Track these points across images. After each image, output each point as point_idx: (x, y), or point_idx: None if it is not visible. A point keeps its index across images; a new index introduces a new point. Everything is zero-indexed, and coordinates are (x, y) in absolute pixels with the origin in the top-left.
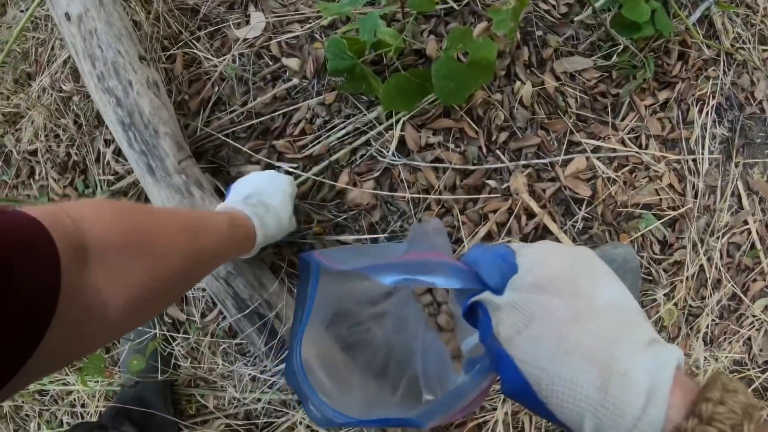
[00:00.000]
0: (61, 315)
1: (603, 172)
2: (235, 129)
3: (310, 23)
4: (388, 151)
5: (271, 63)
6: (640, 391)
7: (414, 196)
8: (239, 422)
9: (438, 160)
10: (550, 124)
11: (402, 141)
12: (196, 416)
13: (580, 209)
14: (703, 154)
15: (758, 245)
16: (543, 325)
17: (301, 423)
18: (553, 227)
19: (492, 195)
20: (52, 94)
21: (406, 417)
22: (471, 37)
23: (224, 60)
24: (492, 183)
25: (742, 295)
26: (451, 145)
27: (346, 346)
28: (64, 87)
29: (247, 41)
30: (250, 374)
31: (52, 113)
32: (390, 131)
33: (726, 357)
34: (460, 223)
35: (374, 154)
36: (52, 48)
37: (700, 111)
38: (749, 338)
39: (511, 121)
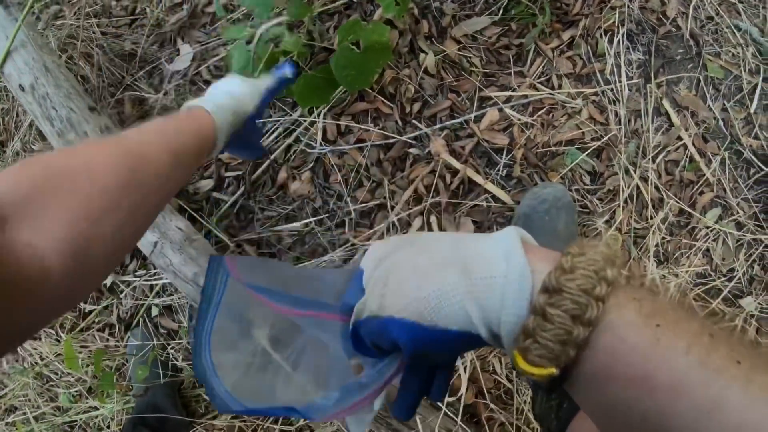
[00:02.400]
0: None
1: (518, 119)
2: None
3: (232, 44)
4: (316, 143)
5: (204, 87)
6: (497, 258)
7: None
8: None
9: (360, 140)
10: (458, 86)
11: (326, 131)
12: (207, 414)
13: (501, 158)
14: (620, 81)
15: (697, 157)
16: (396, 273)
17: None
18: (478, 179)
19: (415, 162)
20: (24, 156)
21: (293, 406)
22: (360, 26)
23: (164, 94)
24: (414, 151)
25: (689, 210)
26: (370, 125)
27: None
28: (34, 147)
29: (180, 72)
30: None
31: None
32: (315, 125)
33: (686, 272)
34: (389, 193)
35: (304, 147)
36: (17, 114)
37: (611, 41)
38: (708, 250)
39: (421, 91)
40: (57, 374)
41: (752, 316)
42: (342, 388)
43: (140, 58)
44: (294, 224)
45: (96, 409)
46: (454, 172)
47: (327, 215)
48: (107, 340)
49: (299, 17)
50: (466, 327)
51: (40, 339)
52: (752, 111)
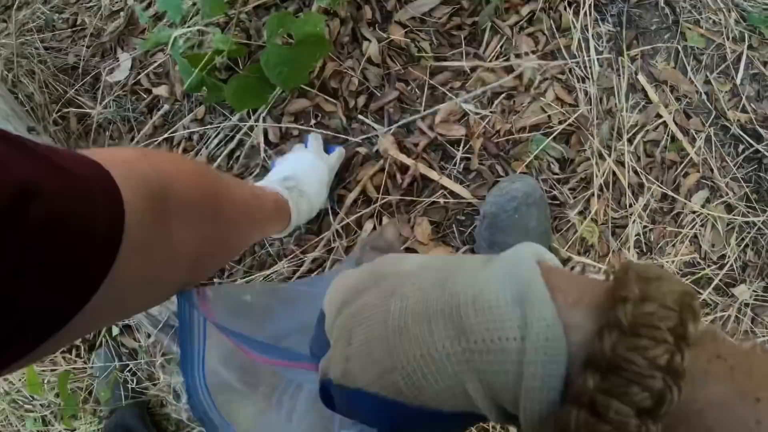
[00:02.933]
0: (128, 270)
1: (473, 110)
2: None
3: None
4: (259, 146)
5: (145, 96)
6: (506, 303)
7: None
8: None
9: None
10: (407, 75)
11: (267, 134)
12: (178, 431)
13: (458, 150)
14: (589, 56)
15: (680, 136)
16: (362, 327)
17: None
18: (432, 174)
19: (365, 161)
20: None
21: None
22: (291, 19)
23: (104, 107)
24: (362, 150)
25: (673, 194)
26: (312, 123)
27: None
28: None
29: (120, 82)
30: (176, 382)
31: None
32: (255, 129)
33: (673, 261)
34: (336, 197)
35: (248, 152)
36: None
37: (576, 14)
38: (695, 236)
39: (366, 83)
40: (28, 398)
41: (747, 305)
42: None
43: (82, 70)
44: None
45: (72, 431)
46: (405, 169)
47: None
48: (74, 361)
49: (213, 15)
50: (467, 407)
51: None
52: (738, 82)
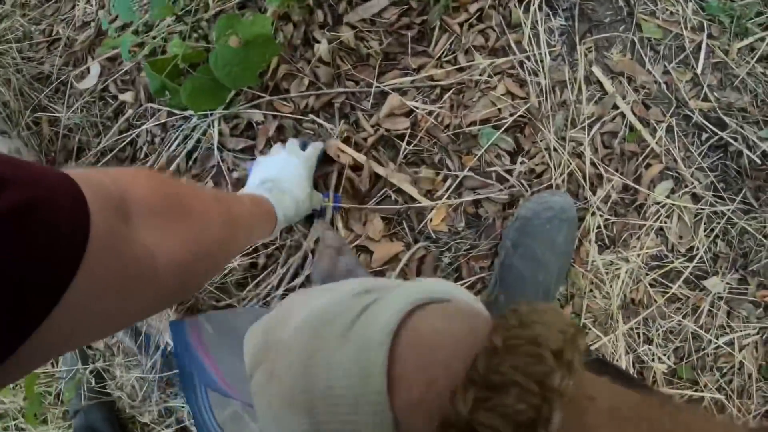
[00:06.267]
0: (101, 263)
1: (420, 106)
2: (99, 167)
3: (135, 56)
4: (214, 148)
5: (112, 102)
6: (347, 402)
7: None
8: (174, 429)
9: (252, 142)
10: (356, 73)
11: (222, 134)
12: None
13: (409, 145)
14: (540, 51)
15: (639, 126)
16: (259, 401)
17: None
18: (380, 171)
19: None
20: None
21: None
22: (238, 20)
23: (72, 113)
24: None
25: (635, 186)
26: (262, 125)
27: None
28: None
29: (89, 89)
30: (136, 377)
31: None
32: (208, 131)
33: (638, 255)
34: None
35: (203, 153)
36: None
37: (527, 10)
38: (661, 229)
39: (317, 83)
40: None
41: (720, 298)
42: None
43: (55, 78)
44: None
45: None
46: (359, 168)
47: None
48: (44, 365)
49: (160, 17)
50: None
51: None
52: (699, 71)
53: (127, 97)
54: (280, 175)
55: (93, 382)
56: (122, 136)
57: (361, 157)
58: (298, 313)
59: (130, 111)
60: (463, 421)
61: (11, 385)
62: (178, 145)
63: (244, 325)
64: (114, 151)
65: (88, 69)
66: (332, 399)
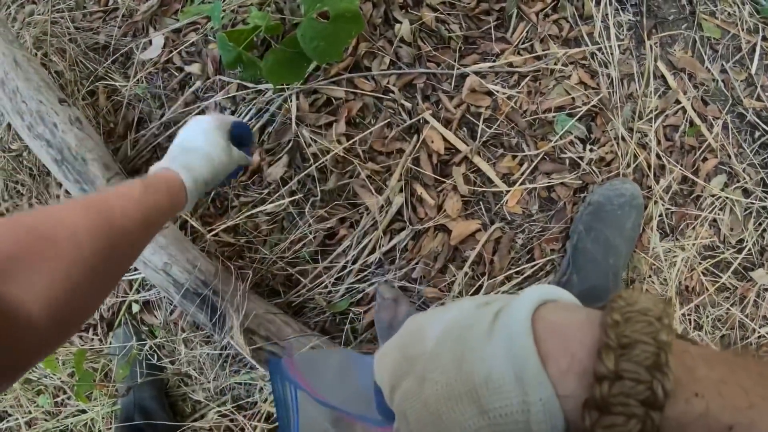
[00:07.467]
0: None
1: (500, 90)
2: (159, 141)
3: (203, 28)
4: (291, 123)
5: (177, 74)
6: (510, 382)
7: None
8: (230, 407)
9: (332, 118)
10: (437, 56)
11: (299, 109)
12: (194, 413)
13: (488, 128)
14: (610, 44)
15: (698, 121)
16: (412, 410)
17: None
18: (462, 148)
19: (396, 139)
20: (4, 156)
21: None
22: None
23: (135, 83)
24: (392, 131)
25: (693, 177)
26: (346, 98)
27: None
28: (12, 147)
29: (152, 60)
30: (208, 354)
31: (9, 173)
32: (284, 105)
33: (693, 245)
34: (370, 172)
35: (278, 128)
36: None
37: (598, 3)
38: (714, 220)
39: (398, 62)
40: (45, 378)
41: (766, 289)
42: None
43: (113, 49)
44: (266, 206)
45: (84, 412)
46: (433, 152)
47: (302, 196)
48: (91, 340)
49: None
50: None
51: None
52: (753, 72)
53: (194, 68)
54: (187, 134)
55: (152, 358)
56: (188, 108)
57: (448, 134)
58: (432, 329)
59: (198, 83)
60: (612, 373)
61: (61, 361)
62: (251, 118)
63: (335, 364)
64: (178, 125)
65: (150, 41)
66: (494, 383)
